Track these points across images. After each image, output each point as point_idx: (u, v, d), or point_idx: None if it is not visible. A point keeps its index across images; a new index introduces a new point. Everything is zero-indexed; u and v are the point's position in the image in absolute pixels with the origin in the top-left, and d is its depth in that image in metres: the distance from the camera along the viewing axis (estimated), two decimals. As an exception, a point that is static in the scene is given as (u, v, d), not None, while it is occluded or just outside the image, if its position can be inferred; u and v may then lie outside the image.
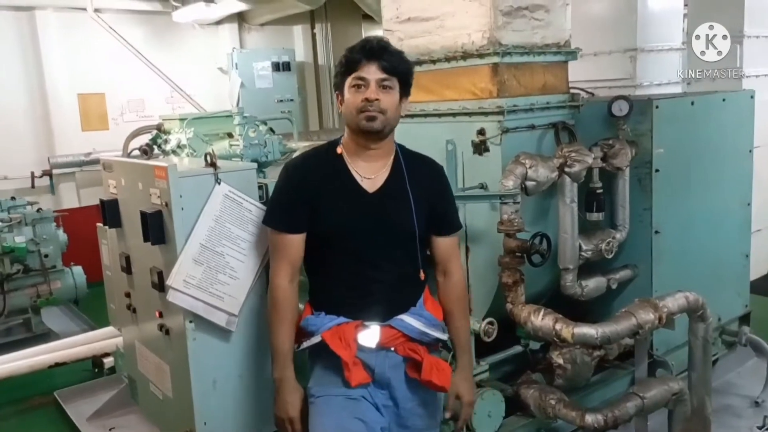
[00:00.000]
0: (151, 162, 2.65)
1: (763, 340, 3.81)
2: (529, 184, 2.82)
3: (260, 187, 2.60)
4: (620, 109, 3.10)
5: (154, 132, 4.85)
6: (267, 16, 8.31)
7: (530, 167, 2.80)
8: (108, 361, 4.20)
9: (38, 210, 5.26)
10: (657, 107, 3.17)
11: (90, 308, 5.42)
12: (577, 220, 3.02)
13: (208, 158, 2.46)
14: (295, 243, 2.11)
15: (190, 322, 2.43)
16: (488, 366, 2.89)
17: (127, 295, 2.99)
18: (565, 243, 3.02)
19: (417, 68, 3.10)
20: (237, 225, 2.44)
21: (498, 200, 2.78)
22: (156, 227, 2.45)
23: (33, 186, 6.96)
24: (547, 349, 2.97)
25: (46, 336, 5.05)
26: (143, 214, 2.49)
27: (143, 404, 3.20)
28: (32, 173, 6.99)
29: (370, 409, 2.07)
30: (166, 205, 2.40)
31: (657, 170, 3.20)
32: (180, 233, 2.38)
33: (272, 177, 2.28)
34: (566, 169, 2.92)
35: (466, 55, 2.97)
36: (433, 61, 3.10)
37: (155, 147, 4.72)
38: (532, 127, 3.00)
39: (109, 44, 7.34)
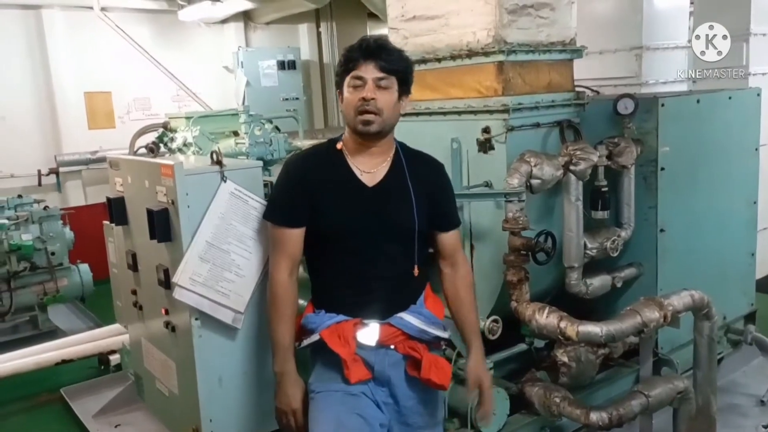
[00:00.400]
0: (157, 160, 2.67)
1: (768, 339, 3.81)
2: (534, 182, 2.82)
3: (266, 185, 2.61)
4: (626, 107, 3.09)
5: (161, 130, 4.88)
6: (272, 15, 8.32)
7: (535, 165, 2.80)
8: (114, 359, 4.23)
9: (45, 208, 5.29)
10: (663, 105, 3.17)
11: (96, 306, 5.44)
12: (582, 219, 3.02)
13: (214, 156, 2.47)
14: (294, 237, 2.12)
15: (196, 319, 2.44)
16: (493, 364, 2.89)
17: (134, 292, 3.01)
18: (570, 241, 3.01)
19: (422, 66, 3.12)
20: (243, 223, 2.45)
21: (503, 198, 2.79)
22: (162, 225, 2.46)
23: (40, 184, 7.00)
24: (552, 347, 2.97)
25: (52, 333, 5.08)
26: (150, 212, 2.50)
27: (149, 401, 3.22)
28: (39, 171, 7.02)
29: (369, 405, 2.08)
30: (173, 202, 2.41)
31: (662, 168, 3.20)
32: (186, 231, 2.39)
33: (277, 175, 2.29)
34: (571, 168, 2.92)
35: (471, 54, 2.97)
36: (438, 60, 3.10)
37: (161, 145, 4.75)
38: (537, 125, 3.00)
39: (115, 43, 7.36)
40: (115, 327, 4.21)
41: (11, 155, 6.90)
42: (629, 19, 5.31)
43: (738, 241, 3.77)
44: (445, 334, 2.21)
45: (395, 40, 3.22)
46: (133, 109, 7.69)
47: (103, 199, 3.09)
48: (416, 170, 2.14)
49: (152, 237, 2.50)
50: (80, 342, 4.37)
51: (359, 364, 2.08)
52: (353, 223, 2.08)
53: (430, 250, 2.25)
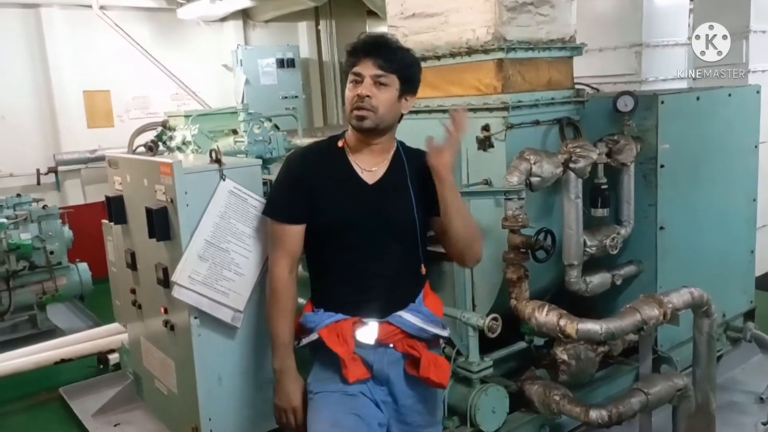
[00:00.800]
0: (156, 158, 2.66)
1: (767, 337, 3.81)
2: (534, 179, 2.81)
3: (265, 184, 2.61)
4: (625, 104, 3.09)
5: (159, 129, 4.86)
6: (271, 13, 8.31)
7: (535, 163, 2.80)
8: (113, 358, 4.22)
9: (44, 207, 5.27)
10: (662, 103, 3.17)
11: (95, 305, 5.44)
12: (581, 216, 3.02)
13: (213, 155, 2.46)
14: (294, 234, 2.12)
15: (195, 318, 2.44)
16: (492, 362, 2.89)
17: (133, 291, 3.00)
18: (570, 239, 3.01)
19: (422, 64, 3.10)
20: (242, 221, 2.44)
21: (502, 196, 2.79)
22: (161, 223, 2.46)
23: (38, 183, 6.99)
24: (551, 345, 2.97)
25: (51, 332, 5.07)
26: (148, 211, 2.49)
27: (148, 400, 3.22)
28: (38, 170, 7.01)
29: (367, 404, 2.08)
30: (171, 201, 2.41)
31: (662, 166, 3.20)
32: (185, 229, 2.38)
33: (276, 173, 2.29)
34: (571, 165, 2.92)
35: (470, 51, 2.96)
36: (438, 57, 3.09)
37: (160, 144, 4.73)
38: (537, 122, 3.00)
39: (114, 41, 7.35)
40: (114, 326, 4.21)
41: (10, 154, 6.89)
42: (629, 16, 5.31)
43: (737, 238, 3.77)
44: (444, 333, 2.20)
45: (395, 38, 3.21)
46: (132, 107, 7.68)
47: (102, 198, 3.08)
48: (415, 166, 2.13)
49: (151, 236, 2.49)
50: (79, 341, 4.36)
51: (358, 363, 2.07)
52: (353, 221, 2.08)
53: (429, 249, 2.25)
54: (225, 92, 8.15)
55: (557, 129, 3.06)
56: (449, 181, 2.03)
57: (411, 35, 3.22)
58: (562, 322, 2.62)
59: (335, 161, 2.12)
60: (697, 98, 3.43)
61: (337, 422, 2.02)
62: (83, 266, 5.34)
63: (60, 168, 7.15)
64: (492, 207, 2.91)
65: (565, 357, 2.89)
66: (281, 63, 8.03)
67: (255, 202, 2.46)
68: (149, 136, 3.81)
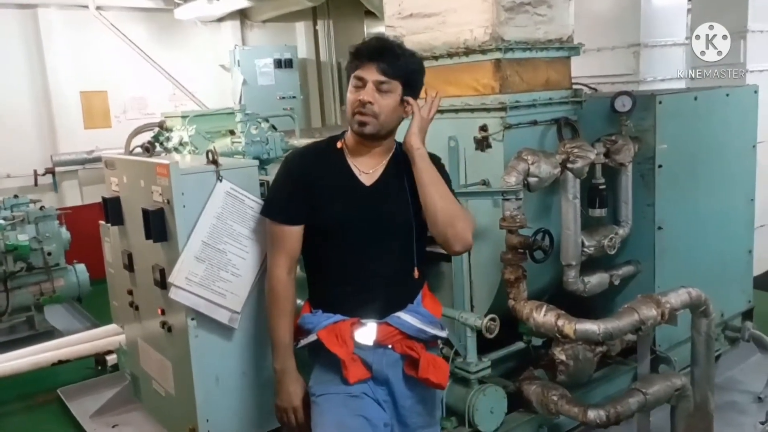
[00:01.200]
0: (152, 159, 2.66)
1: (766, 336, 3.80)
2: (532, 180, 2.81)
3: (262, 184, 2.60)
4: (623, 104, 3.09)
5: (156, 129, 4.86)
6: (269, 13, 8.31)
7: (532, 163, 2.79)
8: (111, 359, 4.21)
9: (41, 208, 5.27)
10: (660, 103, 3.17)
11: (93, 306, 5.43)
12: (579, 216, 3.02)
13: (210, 155, 2.45)
14: (293, 235, 2.11)
15: (192, 319, 2.43)
16: (490, 362, 2.89)
17: (130, 292, 2.99)
18: (568, 239, 3.01)
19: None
20: (239, 222, 2.44)
21: (500, 196, 2.78)
22: (158, 225, 2.45)
23: (36, 184, 6.99)
24: (550, 345, 2.96)
25: (49, 334, 5.06)
26: (145, 212, 2.49)
27: (146, 401, 3.21)
28: (35, 171, 7.01)
29: (372, 405, 2.07)
30: (168, 202, 2.40)
31: (660, 166, 3.20)
32: (182, 230, 2.38)
33: (274, 174, 2.29)
34: (569, 165, 2.91)
35: (468, 51, 2.96)
36: (435, 57, 3.09)
37: (157, 144, 4.73)
38: (535, 123, 2.99)
39: (111, 42, 7.35)
40: (112, 327, 4.20)
41: (7, 155, 6.88)
42: (627, 16, 5.31)
43: (735, 238, 3.77)
44: (442, 333, 2.20)
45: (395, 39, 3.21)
46: (130, 108, 7.67)
47: (100, 199, 3.08)
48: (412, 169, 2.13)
49: (148, 237, 2.49)
50: (77, 342, 4.36)
51: (358, 363, 2.07)
52: (350, 222, 2.08)
53: (428, 249, 2.24)
54: (222, 93, 8.15)
55: (555, 129, 3.05)
56: (417, 149, 2.04)
57: (408, 35, 3.21)
58: (560, 323, 2.62)
59: (333, 162, 2.12)
60: (695, 98, 3.44)
61: (343, 425, 2.01)
62: (81, 267, 5.33)
63: (57, 169, 7.15)
64: (490, 207, 2.91)
65: (563, 357, 2.89)
66: (279, 63, 8.02)
67: (252, 203, 2.46)
68: (146, 137, 3.81)
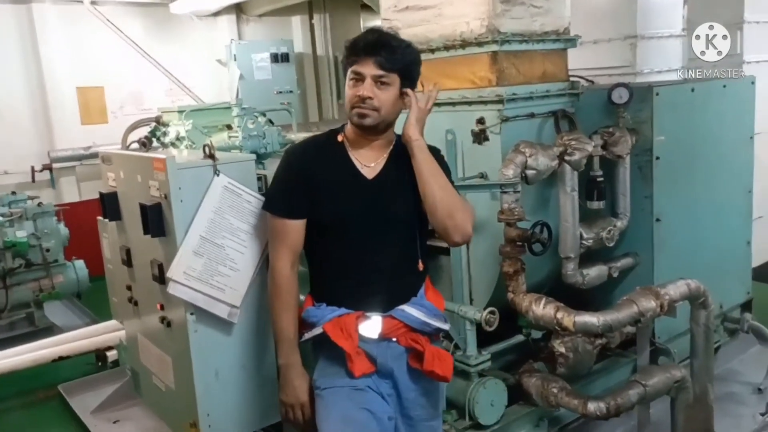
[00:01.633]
0: (149, 154, 2.65)
1: (765, 327, 3.81)
2: (530, 172, 2.81)
3: (259, 179, 2.60)
4: (620, 96, 3.08)
5: (153, 124, 4.83)
6: (265, 7, 8.28)
7: (530, 156, 2.79)
8: (111, 355, 4.22)
9: (39, 204, 5.26)
10: (657, 94, 3.16)
11: (92, 302, 5.43)
12: (577, 209, 3.02)
13: (207, 150, 2.45)
14: (295, 228, 2.11)
15: (192, 314, 2.43)
16: (490, 355, 2.89)
17: (129, 288, 2.99)
18: (566, 232, 3.01)
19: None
20: (237, 216, 2.43)
21: (498, 189, 2.78)
22: (155, 220, 2.45)
23: (33, 180, 6.97)
24: (549, 338, 2.97)
25: (49, 330, 5.06)
26: (142, 207, 2.48)
27: (146, 396, 3.21)
28: (32, 168, 6.99)
29: (376, 398, 2.07)
30: (165, 197, 2.39)
31: (657, 158, 3.20)
32: (180, 225, 2.37)
33: (271, 168, 2.28)
34: (566, 158, 2.91)
35: (464, 44, 2.95)
36: (432, 50, 3.08)
37: (154, 139, 4.70)
38: (532, 115, 2.99)
39: (107, 37, 7.33)
40: (112, 323, 4.20)
41: (4, 151, 6.86)
42: (623, 8, 5.28)
43: (734, 229, 3.78)
44: (446, 326, 2.21)
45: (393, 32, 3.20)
46: (126, 103, 7.64)
47: (97, 195, 3.07)
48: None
49: (146, 232, 2.48)
50: (77, 338, 4.36)
51: (362, 357, 2.07)
52: (352, 215, 2.07)
53: (429, 243, 2.24)
54: (219, 87, 8.12)
55: (552, 121, 3.05)
56: (416, 141, 2.05)
57: (405, 28, 3.20)
58: (559, 315, 2.62)
59: (335, 156, 2.11)
60: (692, 90, 3.43)
61: (349, 418, 2.02)
62: (80, 263, 5.33)
63: (55, 165, 7.12)
64: (488, 200, 2.91)
65: (562, 350, 2.90)
66: (275, 57, 7.99)
67: (249, 197, 2.45)
68: (143, 132, 3.79)
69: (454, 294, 2.93)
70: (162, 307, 2.63)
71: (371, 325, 2.08)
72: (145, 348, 3.01)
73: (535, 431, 3.00)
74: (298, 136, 5.08)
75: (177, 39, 8.02)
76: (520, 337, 3.10)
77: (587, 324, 2.57)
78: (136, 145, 2.88)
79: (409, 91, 2.06)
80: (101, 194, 2.99)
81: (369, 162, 2.11)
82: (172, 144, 4.83)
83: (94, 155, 6.72)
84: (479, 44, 2.89)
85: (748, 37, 5.09)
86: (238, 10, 8.41)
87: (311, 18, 8.75)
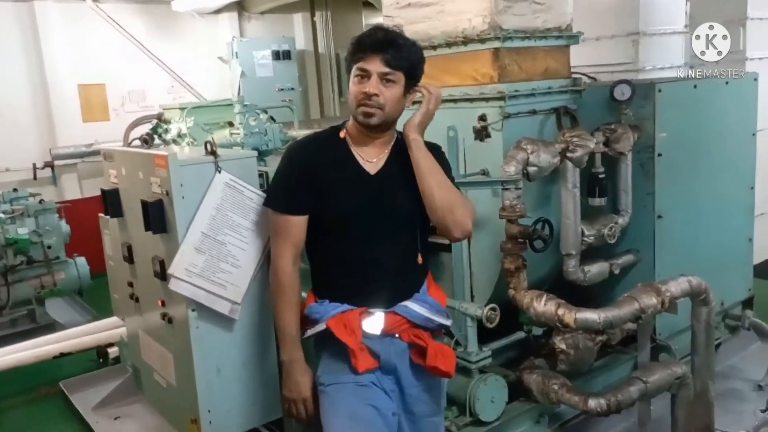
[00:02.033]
0: (151, 151, 2.65)
1: (766, 324, 3.81)
2: (531, 169, 2.81)
3: (261, 175, 2.59)
4: (622, 93, 3.08)
5: (155, 121, 4.84)
6: (267, 5, 8.27)
7: (532, 153, 2.79)
8: (113, 351, 4.24)
9: (40, 201, 5.28)
10: (659, 91, 3.16)
11: (94, 299, 5.44)
12: (579, 206, 3.01)
13: (209, 147, 2.45)
14: (297, 225, 2.11)
15: (193, 310, 2.43)
16: (491, 352, 2.89)
17: (130, 284, 3.00)
18: (568, 228, 3.01)
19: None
20: (238, 213, 2.43)
21: (500, 186, 2.78)
22: (157, 216, 2.45)
23: (35, 177, 6.97)
24: (550, 334, 2.97)
25: (50, 327, 5.07)
26: (144, 204, 2.48)
27: (148, 393, 3.22)
28: (34, 165, 6.99)
29: (380, 394, 2.08)
30: (167, 193, 2.39)
31: (660, 155, 3.19)
32: (181, 222, 2.37)
33: (273, 165, 2.28)
34: (568, 154, 2.91)
35: (466, 41, 2.94)
36: (434, 47, 3.07)
37: (156, 136, 4.72)
38: (534, 112, 2.99)
39: (108, 34, 7.32)
40: (113, 320, 4.21)
41: (6, 148, 6.87)
42: (626, 4, 5.28)
43: (736, 226, 3.77)
44: (448, 322, 2.22)
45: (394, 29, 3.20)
46: (128, 101, 7.65)
47: (99, 192, 3.07)
48: None
49: (147, 228, 2.49)
50: (78, 335, 4.37)
51: (365, 353, 2.07)
52: (355, 210, 2.08)
53: (430, 240, 2.24)
54: (221, 85, 8.12)
55: (554, 118, 3.05)
56: (414, 140, 2.07)
57: (407, 25, 3.19)
58: (560, 312, 2.62)
59: (337, 151, 2.12)
60: (695, 86, 3.43)
61: (355, 415, 2.02)
62: (81, 260, 5.34)
63: (56, 162, 7.13)
64: (489, 197, 2.91)
65: (563, 346, 2.90)
66: (277, 55, 7.99)
67: (251, 194, 2.45)
68: (145, 129, 3.80)
69: (456, 290, 2.93)
70: (163, 304, 2.64)
71: (374, 321, 2.09)
72: (146, 344, 3.02)
73: (535, 428, 3.00)
74: (299, 133, 5.09)
75: (179, 36, 8.01)
76: (521, 334, 3.10)
77: (588, 321, 2.57)
78: (137, 142, 2.89)
79: (424, 89, 2.07)
80: (103, 191, 3.00)
81: (371, 158, 2.11)
82: (174, 141, 4.84)
83: (96, 152, 6.75)
84: (481, 41, 2.88)
85: (751, 33, 5.08)
86: (239, 7, 8.41)
87: (313, 15, 8.74)
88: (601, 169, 3.09)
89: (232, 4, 8.17)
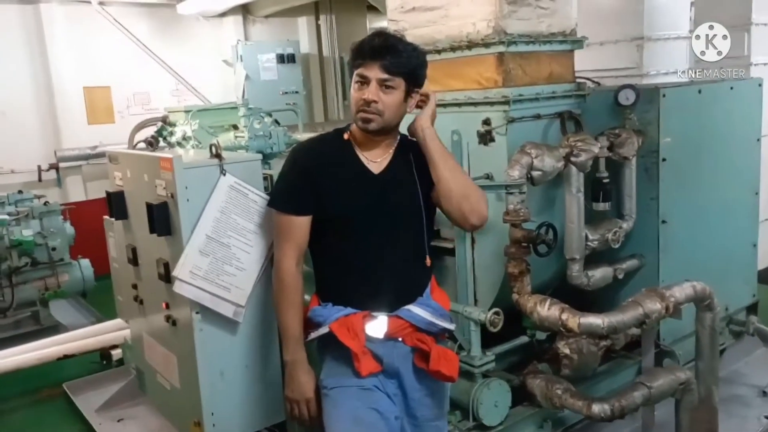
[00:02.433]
0: (156, 154, 2.66)
1: (770, 330, 3.80)
2: (535, 173, 2.80)
3: (265, 178, 2.60)
4: (627, 97, 3.08)
5: (160, 124, 4.85)
6: (271, 8, 8.29)
7: (536, 157, 2.79)
8: (116, 353, 4.24)
9: (45, 203, 5.30)
10: (664, 96, 3.15)
11: (98, 301, 5.45)
12: (583, 210, 3.01)
13: (213, 149, 2.46)
14: (300, 225, 2.11)
15: (197, 313, 2.44)
16: (494, 356, 2.89)
17: (134, 286, 3.01)
18: (572, 233, 3.00)
19: (422, 58, 3.10)
20: (243, 216, 2.44)
21: (504, 190, 2.78)
22: (162, 219, 2.46)
23: (40, 179, 6.99)
24: (554, 339, 2.96)
25: (54, 329, 5.08)
26: (149, 206, 2.49)
27: (151, 395, 3.22)
28: (39, 167, 7.01)
29: (383, 398, 2.08)
30: (172, 196, 2.41)
31: (664, 159, 3.19)
32: (186, 224, 2.38)
33: (277, 168, 2.29)
34: (572, 159, 2.90)
35: (471, 45, 2.95)
36: (438, 51, 3.08)
37: (160, 139, 4.72)
38: (538, 116, 2.99)
39: (114, 37, 7.35)
40: (117, 322, 4.22)
41: (11, 151, 6.89)
42: (630, 9, 5.26)
43: (740, 231, 3.76)
44: (452, 326, 2.21)
45: (396, 33, 3.20)
46: (133, 103, 7.67)
47: (104, 195, 3.08)
48: (419, 157, 2.13)
49: (152, 231, 2.50)
50: (82, 337, 4.38)
51: (369, 356, 2.07)
52: (359, 211, 2.08)
53: (433, 244, 2.24)
54: (225, 88, 8.14)
55: (558, 123, 3.04)
56: (427, 128, 2.09)
57: (411, 29, 3.20)
58: (564, 316, 2.62)
59: (341, 152, 2.12)
60: (699, 91, 3.42)
61: (358, 418, 2.02)
62: (85, 262, 5.36)
63: (61, 164, 7.15)
64: (493, 201, 2.90)
65: (567, 351, 2.89)
66: (281, 58, 8.00)
67: (256, 196, 2.46)
68: (149, 131, 3.81)
69: (459, 295, 2.93)
70: (167, 306, 2.64)
71: (377, 325, 2.09)
72: (150, 347, 3.02)
73: (539, 432, 3.00)
74: (303, 136, 5.08)
75: (184, 39, 8.04)
76: (524, 338, 3.10)
77: (592, 325, 2.56)
78: (142, 145, 2.90)
79: (430, 93, 2.11)
80: (108, 193, 3.01)
81: (375, 158, 2.12)
82: (179, 144, 4.84)
83: (101, 155, 6.76)
84: (486, 45, 2.89)
85: (756, 38, 5.07)
86: (244, 10, 8.43)
87: (317, 19, 8.76)
88: (606, 174, 3.09)
89: (237, 8, 8.20)
